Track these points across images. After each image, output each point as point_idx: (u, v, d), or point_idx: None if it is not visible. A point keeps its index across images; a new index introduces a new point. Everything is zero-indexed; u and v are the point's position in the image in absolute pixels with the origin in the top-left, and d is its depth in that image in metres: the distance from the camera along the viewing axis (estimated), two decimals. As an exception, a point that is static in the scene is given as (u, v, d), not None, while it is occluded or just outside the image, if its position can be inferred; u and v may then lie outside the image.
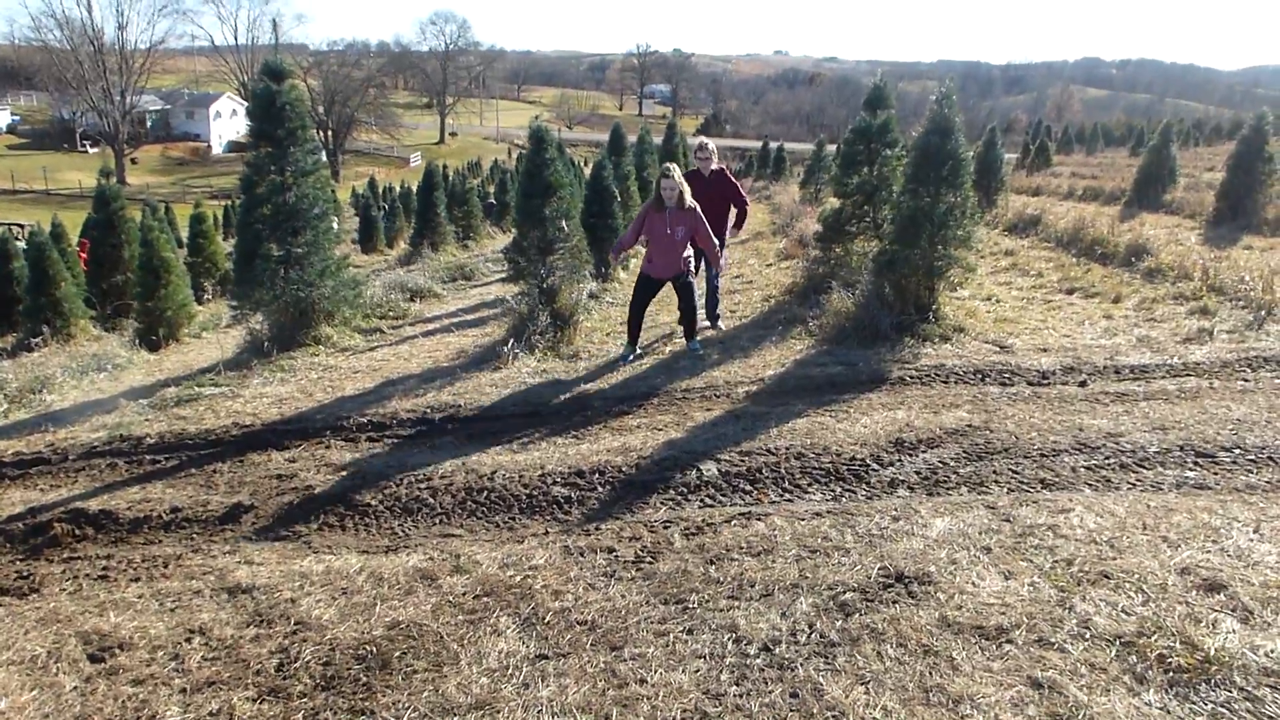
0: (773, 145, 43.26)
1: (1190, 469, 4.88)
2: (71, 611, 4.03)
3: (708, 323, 8.94)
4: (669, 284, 8.03)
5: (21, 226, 28.33)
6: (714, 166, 8.86)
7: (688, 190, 7.65)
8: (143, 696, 3.24)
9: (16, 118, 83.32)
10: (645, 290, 8.02)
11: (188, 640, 3.64)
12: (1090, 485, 4.69)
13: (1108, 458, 5.03)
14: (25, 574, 4.60)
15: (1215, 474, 4.81)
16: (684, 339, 8.34)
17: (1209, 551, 3.69)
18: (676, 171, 7.54)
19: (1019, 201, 19.04)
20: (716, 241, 7.93)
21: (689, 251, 7.89)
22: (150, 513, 5.33)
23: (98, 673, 3.44)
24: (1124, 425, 5.55)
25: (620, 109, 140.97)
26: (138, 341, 12.08)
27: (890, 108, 9.89)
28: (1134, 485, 4.68)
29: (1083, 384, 6.54)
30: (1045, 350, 7.44)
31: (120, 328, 13.89)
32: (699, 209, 7.68)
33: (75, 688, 3.34)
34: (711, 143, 8.87)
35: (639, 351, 8.20)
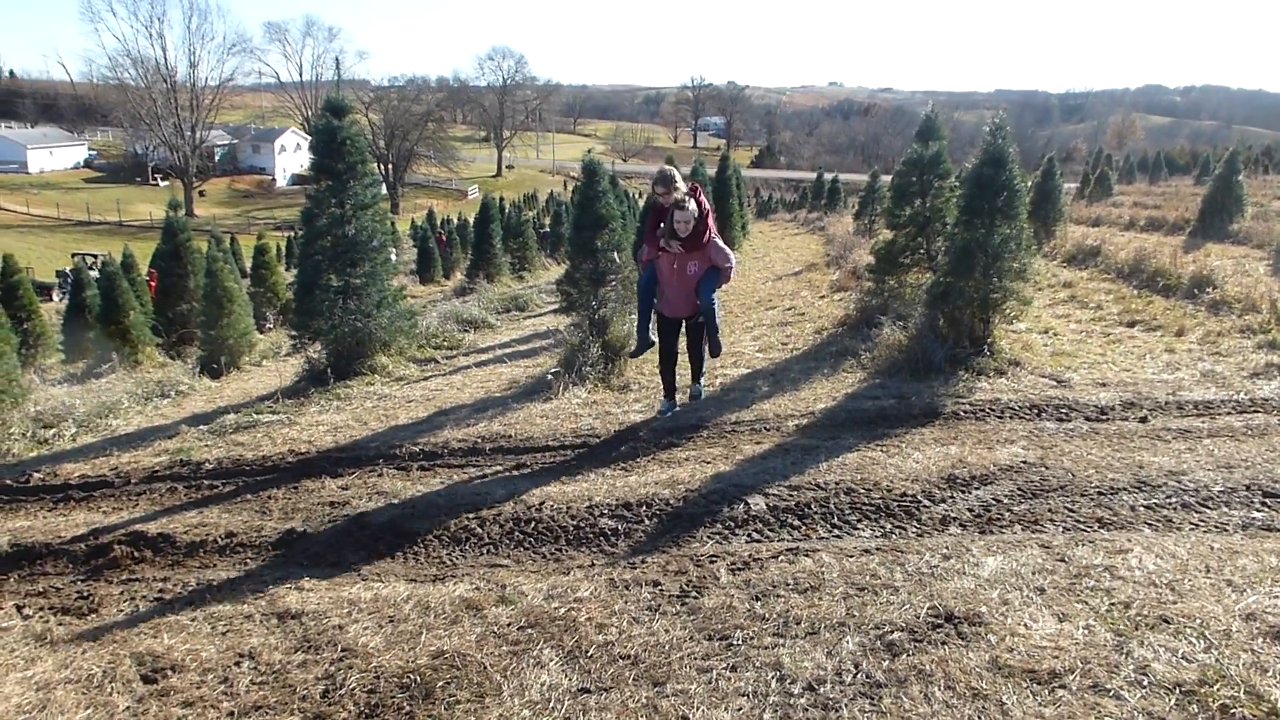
0: (827, 176, 43.16)
1: (1257, 509, 4.71)
2: (127, 633, 4.13)
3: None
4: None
5: (95, 257, 29.41)
6: (680, 196, 6.51)
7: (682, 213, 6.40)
8: (192, 719, 3.29)
9: (93, 152, 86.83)
10: (668, 335, 7.01)
11: (237, 664, 3.70)
12: (1150, 525, 4.55)
13: (1169, 497, 4.89)
14: (85, 594, 4.73)
15: (1284, 515, 4.64)
16: (691, 381, 7.28)
17: (1277, 597, 3.54)
18: (692, 204, 6.39)
19: (1078, 232, 18.70)
20: (730, 258, 6.65)
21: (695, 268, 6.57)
22: (206, 537, 5.44)
23: (150, 693, 3.52)
24: (1186, 463, 5.39)
25: (674, 141, 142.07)
26: (200, 369, 12.42)
27: (942, 139, 9.83)
28: (1197, 526, 4.54)
29: (1143, 420, 6.37)
30: (1104, 385, 7.27)
31: (185, 355, 14.31)
32: (717, 239, 6.57)
33: (128, 708, 3.42)
34: (674, 171, 6.80)
35: (677, 407, 7.26)
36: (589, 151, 9.30)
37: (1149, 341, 8.94)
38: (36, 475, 7.37)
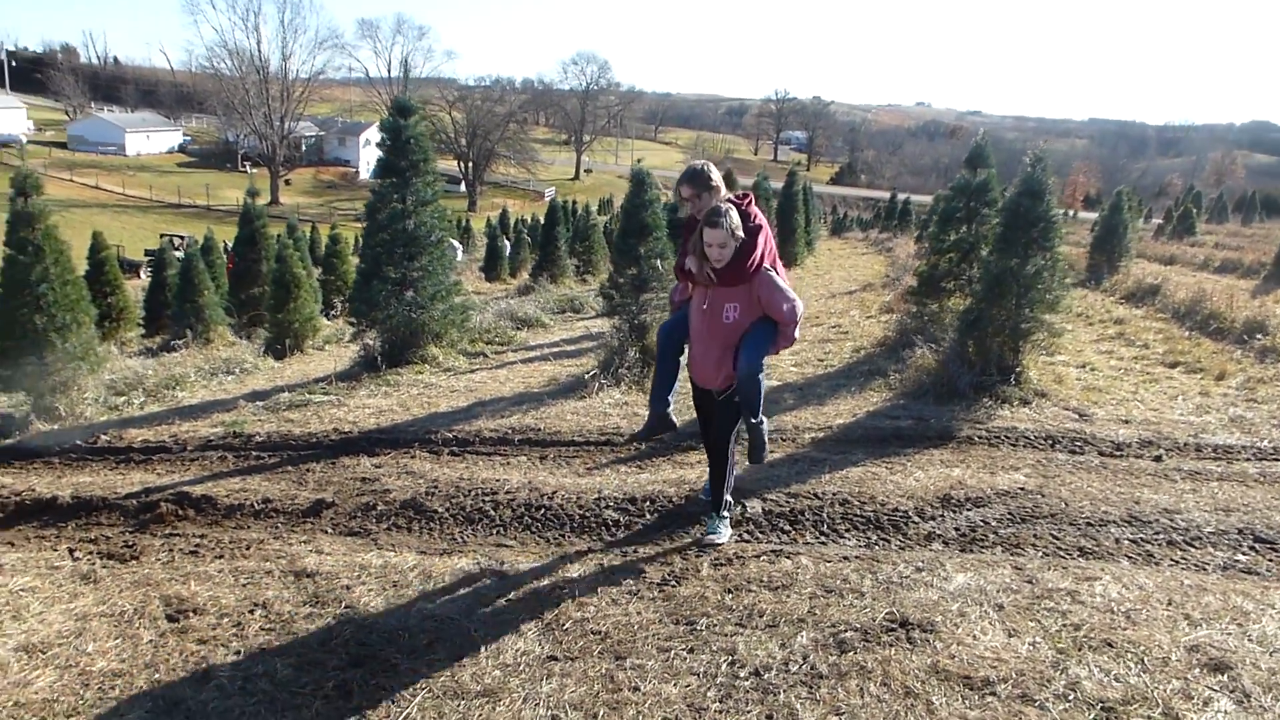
0: (900, 197, 42.92)
1: (1243, 553, 4.79)
2: (161, 578, 4.57)
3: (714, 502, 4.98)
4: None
5: (182, 238, 30.79)
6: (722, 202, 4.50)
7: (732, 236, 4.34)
8: (203, 654, 3.72)
9: (188, 138, 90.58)
10: (700, 409, 4.95)
11: (251, 611, 4.12)
12: (1130, 558, 4.67)
13: (1157, 533, 4.99)
14: (130, 544, 5.20)
15: (1270, 560, 4.70)
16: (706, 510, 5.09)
17: (1228, 634, 3.67)
18: (734, 215, 4.34)
19: (1145, 269, 18.42)
20: (795, 303, 4.47)
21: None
22: (245, 501, 5.89)
23: (171, 630, 3.95)
24: (1185, 503, 5.46)
25: (755, 154, 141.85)
26: (265, 350, 13.04)
27: (990, 166, 9.90)
28: (1176, 562, 4.64)
29: (1157, 459, 6.43)
30: (1126, 422, 7.31)
31: (254, 336, 15.01)
32: (772, 272, 4.48)
33: (151, 640, 3.85)
34: (708, 168, 4.65)
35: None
36: (639, 161, 9.59)
37: (1186, 383, 8.90)
38: (104, 437, 7.94)
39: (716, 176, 4.61)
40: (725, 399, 4.62)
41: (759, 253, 4.40)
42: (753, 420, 4.63)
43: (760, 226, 4.46)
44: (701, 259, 4.41)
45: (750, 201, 4.55)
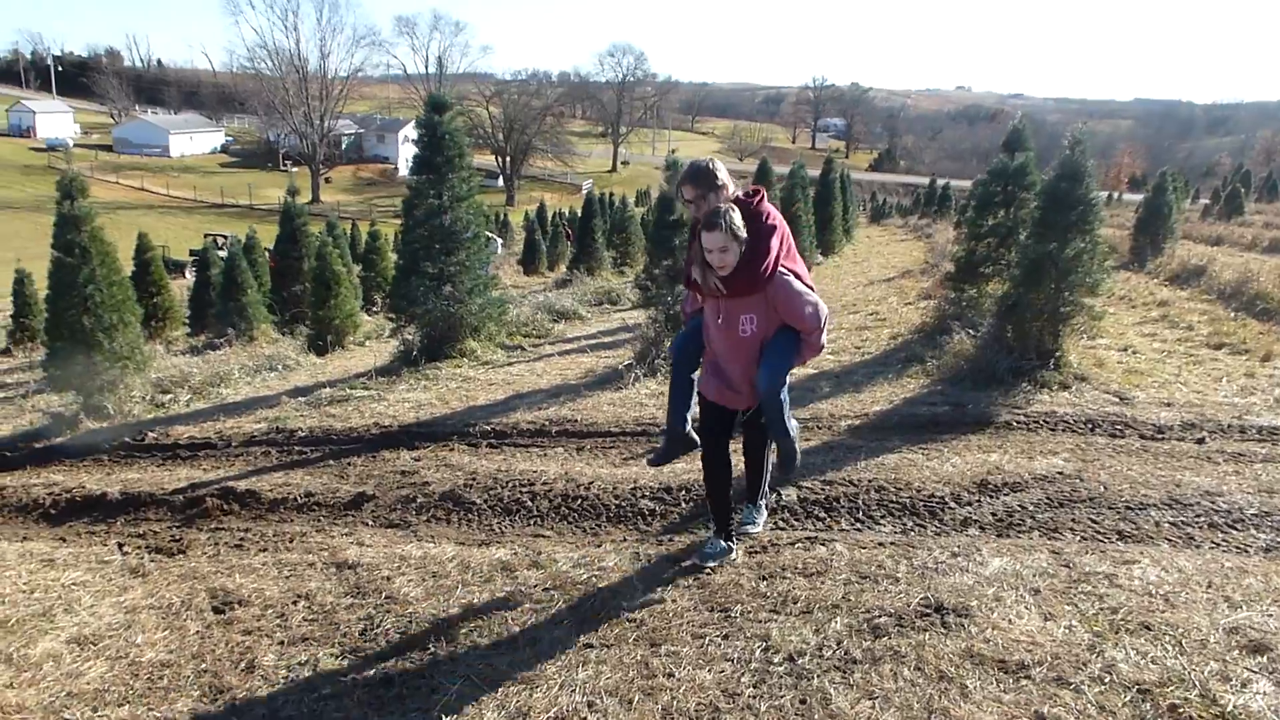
0: (940, 182, 42.47)
1: (1287, 534, 4.72)
2: (207, 571, 4.71)
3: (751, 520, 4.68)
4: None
5: (225, 238, 31.35)
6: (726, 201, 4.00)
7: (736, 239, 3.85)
8: (248, 644, 3.82)
9: (229, 138, 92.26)
10: (713, 434, 4.33)
11: (294, 603, 4.22)
12: (1169, 541, 4.62)
13: (1198, 515, 4.92)
14: (177, 538, 5.36)
15: (1314, 541, 4.63)
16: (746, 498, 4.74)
17: (1269, 615, 3.62)
18: (735, 215, 3.85)
19: (1188, 250, 18.05)
20: (818, 309, 4.01)
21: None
22: (288, 495, 6.03)
23: (218, 622, 4.07)
24: (1228, 485, 5.37)
25: (793, 142, 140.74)
26: (308, 346, 13.26)
27: (1029, 149, 9.78)
28: (1217, 545, 4.58)
29: (1200, 441, 6.32)
30: (1169, 405, 7.20)
31: (296, 333, 15.26)
32: (788, 276, 3.97)
33: (197, 632, 3.97)
34: (712, 165, 4.12)
35: (733, 553, 4.42)
36: (674, 151, 9.62)
37: (1231, 365, 8.73)
38: (151, 435, 8.16)
39: (724, 174, 4.11)
40: (751, 418, 4.28)
41: (773, 256, 3.92)
42: (780, 429, 4.15)
43: (774, 227, 3.99)
44: (705, 267, 3.96)
45: (762, 199, 4.04)
